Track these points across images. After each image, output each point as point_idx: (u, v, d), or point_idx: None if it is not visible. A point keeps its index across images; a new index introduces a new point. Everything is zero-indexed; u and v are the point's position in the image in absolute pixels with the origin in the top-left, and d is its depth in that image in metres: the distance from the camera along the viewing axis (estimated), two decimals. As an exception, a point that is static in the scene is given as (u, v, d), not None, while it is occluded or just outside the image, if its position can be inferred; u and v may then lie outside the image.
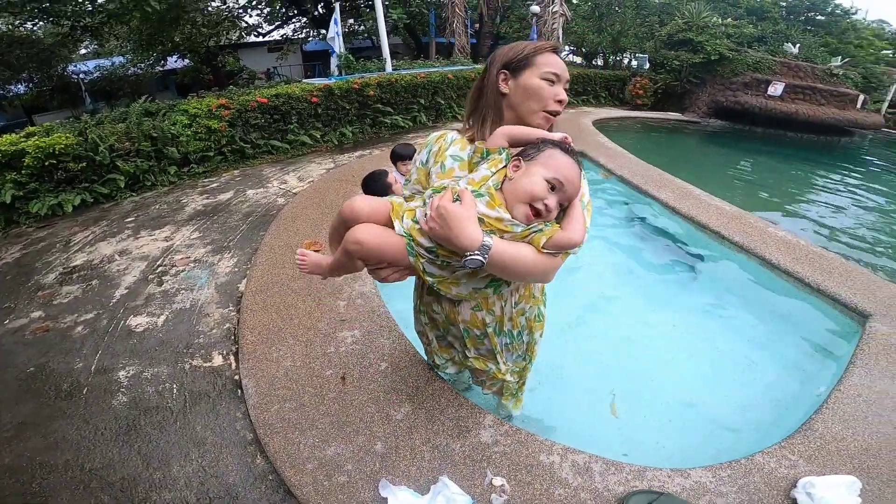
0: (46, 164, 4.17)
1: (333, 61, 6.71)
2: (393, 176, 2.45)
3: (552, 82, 1.06)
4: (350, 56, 6.83)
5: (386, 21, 7.03)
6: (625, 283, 3.10)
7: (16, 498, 1.65)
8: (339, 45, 6.58)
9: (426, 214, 0.95)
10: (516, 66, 1.06)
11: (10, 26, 9.00)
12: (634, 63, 12.29)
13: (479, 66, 7.78)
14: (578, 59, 14.27)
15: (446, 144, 1.13)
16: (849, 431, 1.68)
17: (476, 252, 0.91)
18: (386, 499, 1.37)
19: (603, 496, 1.41)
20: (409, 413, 1.69)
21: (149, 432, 1.86)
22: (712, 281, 3.12)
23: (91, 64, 12.66)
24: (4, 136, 4.24)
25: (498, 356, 1.34)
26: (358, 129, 6.04)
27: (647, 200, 4.17)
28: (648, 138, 8.37)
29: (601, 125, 7.55)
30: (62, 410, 2.04)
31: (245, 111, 5.01)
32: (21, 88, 11.13)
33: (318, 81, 5.81)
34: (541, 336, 1.42)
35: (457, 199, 0.94)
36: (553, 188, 0.95)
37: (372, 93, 5.94)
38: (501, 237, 0.95)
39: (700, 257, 3.39)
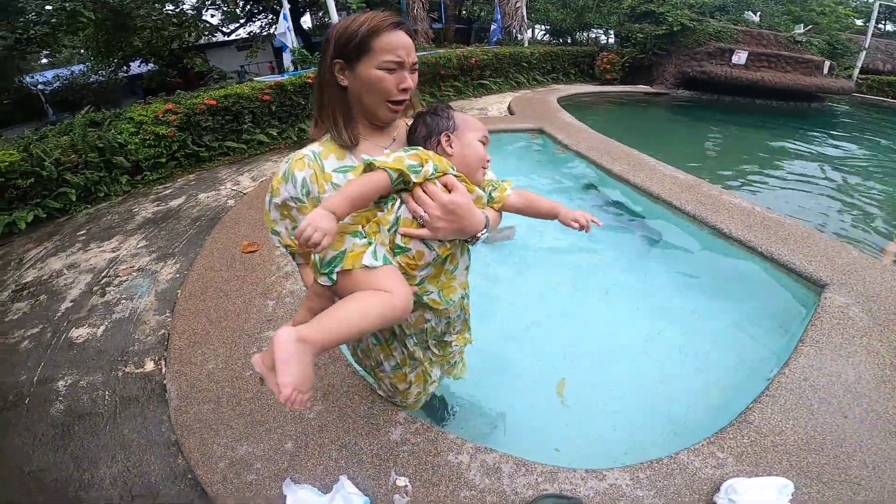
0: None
1: (287, 57, 6.59)
2: None
3: (393, 70, 0.92)
4: (304, 51, 6.71)
5: (346, 9, 6.89)
6: (578, 263, 3.08)
7: None
8: (290, 41, 6.46)
9: (421, 218, 0.88)
10: (350, 55, 0.91)
11: None
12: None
13: (441, 52, 7.68)
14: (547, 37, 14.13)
15: (318, 163, 0.96)
16: (789, 423, 1.53)
17: (485, 230, 0.96)
18: (284, 494, 1.39)
19: (510, 499, 1.35)
20: (321, 411, 1.70)
21: (81, 437, 1.89)
22: (668, 255, 3.07)
23: (49, 74, 12.35)
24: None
25: (469, 322, 1.35)
26: (317, 123, 5.94)
27: (603, 174, 4.18)
28: (617, 113, 8.35)
29: (567, 102, 7.50)
30: (7, 420, 2.07)
31: (194, 114, 4.92)
32: None
33: (270, 79, 5.71)
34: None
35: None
36: (483, 144, 1.01)
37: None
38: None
39: (657, 231, 3.37)
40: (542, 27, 13.77)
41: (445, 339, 1.30)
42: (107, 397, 2.08)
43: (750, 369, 2.05)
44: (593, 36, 13.20)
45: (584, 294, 2.73)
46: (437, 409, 1.86)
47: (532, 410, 1.96)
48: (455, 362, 1.45)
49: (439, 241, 0.93)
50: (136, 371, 2.20)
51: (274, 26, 14.74)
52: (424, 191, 0.89)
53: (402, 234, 0.89)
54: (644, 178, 3.70)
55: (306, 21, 16.45)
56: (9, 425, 2.04)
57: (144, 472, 1.68)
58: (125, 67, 12.33)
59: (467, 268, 1.17)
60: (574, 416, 1.92)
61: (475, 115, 6.57)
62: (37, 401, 2.14)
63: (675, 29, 9.23)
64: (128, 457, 1.75)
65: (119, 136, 4.67)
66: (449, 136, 0.97)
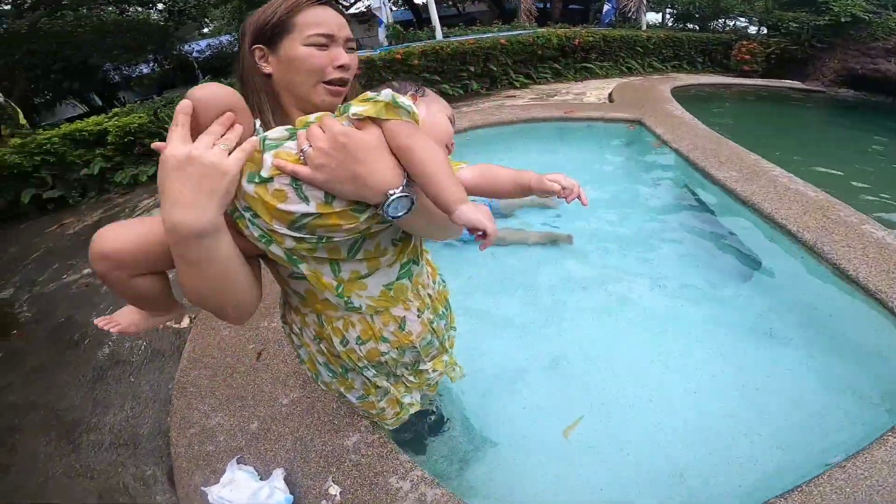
0: (125, 140, 4.83)
1: (381, 32, 6.68)
2: None
3: (324, 46, 0.78)
4: (398, 26, 6.75)
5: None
6: (642, 283, 2.57)
7: (3, 427, 2.03)
8: (385, 15, 6.52)
9: (302, 152, 0.66)
10: (271, 37, 0.78)
11: (117, 14, 10.46)
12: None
13: (542, 31, 7.15)
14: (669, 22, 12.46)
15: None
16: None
17: (400, 189, 0.67)
18: (226, 472, 1.41)
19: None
20: (294, 400, 1.67)
21: (109, 382, 2.12)
22: (762, 290, 2.41)
23: (203, 43, 14.23)
24: (91, 117, 4.99)
25: (446, 343, 1.16)
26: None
27: (702, 179, 3.50)
28: (749, 109, 7.01)
29: (684, 93, 6.50)
30: (65, 358, 2.41)
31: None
32: (146, 69, 13.07)
33: (361, 53, 5.84)
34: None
35: None
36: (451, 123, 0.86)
37: (416, 62, 5.81)
38: None
39: (755, 258, 2.71)
40: (669, 10, 12.14)
41: (420, 367, 1.13)
42: (142, 348, 2.30)
43: (820, 446, 1.57)
44: (731, 23, 11.33)
45: (639, 320, 2.30)
46: (427, 420, 1.69)
47: (522, 446, 1.70)
48: (436, 382, 1.27)
49: (322, 191, 0.68)
50: (174, 325, 2.39)
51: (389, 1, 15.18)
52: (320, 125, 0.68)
53: (275, 166, 0.67)
54: (755, 189, 2.98)
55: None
56: (64, 363, 2.36)
57: (138, 424, 1.85)
58: None
59: (417, 281, 0.98)
60: (567, 465, 1.63)
61: (569, 99, 6.03)
62: (93, 342, 2.46)
63: (842, 20, 7.46)
64: (133, 407, 1.93)
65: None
66: (416, 99, 0.82)
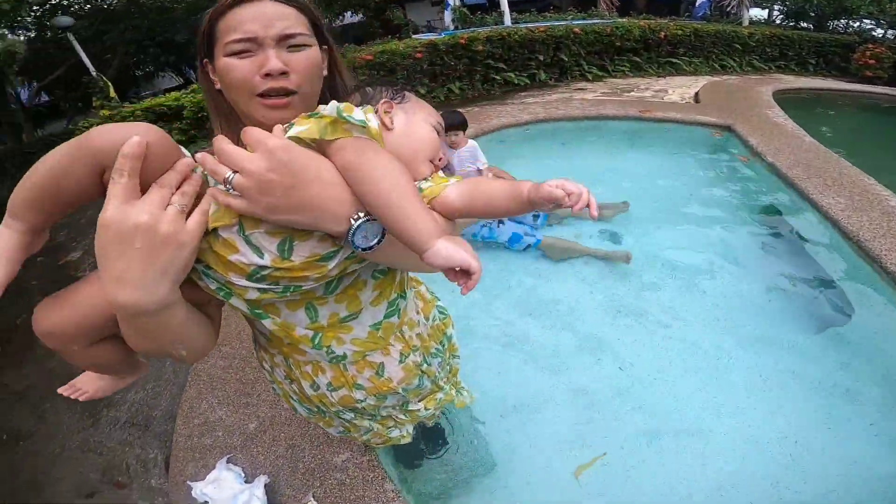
0: (199, 115, 5.09)
1: (448, 15, 6.46)
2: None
3: (246, 53, 0.63)
4: (464, 10, 6.48)
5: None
6: (708, 315, 2.22)
7: (41, 393, 2.21)
8: None
9: (226, 182, 0.53)
10: (208, 48, 0.67)
11: None
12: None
13: (622, 21, 6.53)
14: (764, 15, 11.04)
15: None
16: None
17: (363, 214, 0.56)
18: (214, 469, 1.42)
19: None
20: None
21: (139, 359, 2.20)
22: (852, 345, 1.99)
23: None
24: (171, 93, 5.30)
25: (440, 381, 1.06)
26: (467, 86, 5.77)
27: (800, 202, 2.98)
28: (871, 122, 5.97)
29: (788, 97, 5.68)
30: None
31: (354, 68, 5.22)
32: None
33: (425, 37, 5.68)
34: (453, 328, 1.11)
35: None
36: (437, 133, 0.73)
37: (480, 48, 5.55)
38: None
39: (848, 303, 2.22)
40: (777, 6, 10.72)
41: (408, 407, 1.01)
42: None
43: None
44: (855, 24, 9.81)
45: (690, 359, 1.97)
46: (430, 438, 1.56)
47: (526, 481, 1.54)
48: (433, 415, 1.14)
49: (276, 243, 0.57)
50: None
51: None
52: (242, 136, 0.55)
53: (217, 201, 0.55)
54: (866, 222, 2.47)
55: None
56: None
57: (153, 405, 1.92)
58: (340, 17, 14.06)
59: (403, 319, 0.85)
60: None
61: (648, 97, 5.47)
62: None
63: None
64: (153, 388, 2.02)
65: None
66: (391, 106, 0.69)
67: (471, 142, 2.48)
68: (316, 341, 0.74)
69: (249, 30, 0.63)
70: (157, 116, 5.04)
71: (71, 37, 7.35)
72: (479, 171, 2.56)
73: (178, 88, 11.08)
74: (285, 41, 0.65)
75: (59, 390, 0.83)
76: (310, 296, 0.69)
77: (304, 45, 0.67)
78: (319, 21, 0.70)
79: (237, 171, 0.52)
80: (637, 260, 2.55)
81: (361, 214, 0.55)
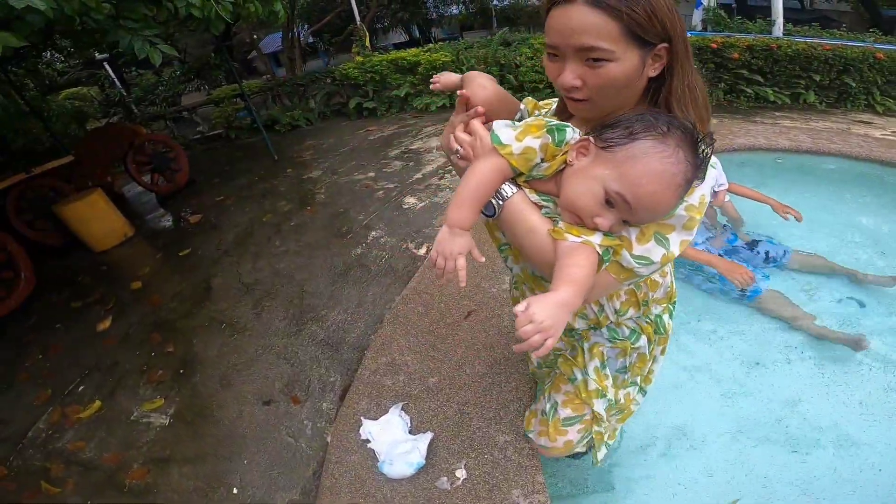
0: (430, 73, 5.58)
1: (697, 15, 5.56)
2: None
3: (553, 56, 0.71)
4: (720, 11, 5.48)
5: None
6: None
7: (266, 290, 2.68)
8: None
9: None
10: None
11: None
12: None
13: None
14: None
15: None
16: None
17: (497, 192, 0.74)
18: (388, 412, 1.56)
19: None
20: (478, 374, 1.68)
21: (348, 282, 2.60)
22: None
23: (504, -7, 15.05)
24: (412, 49, 5.89)
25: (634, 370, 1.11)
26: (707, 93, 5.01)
27: None
28: None
29: None
30: (329, 244, 3.05)
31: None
32: (455, 10, 14.79)
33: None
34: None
35: None
36: (611, 203, 0.66)
37: (736, 55, 4.70)
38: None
39: None
40: None
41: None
42: (384, 260, 2.72)
43: None
44: None
45: None
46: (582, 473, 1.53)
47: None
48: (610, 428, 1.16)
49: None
50: (413, 250, 2.74)
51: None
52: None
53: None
54: None
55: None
56: (327, 248, 2.96)
57: (349, 330, 2.17)
58: None
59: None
60: None
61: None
62: (354, 238, 3.04)
63: None
64: (353, 312, 2.28)
65: (518, 58, 5.35)
66: (587, 147, 0.69)
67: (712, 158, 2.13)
68: None
69: (553, 39, 0.68)
70: (396, 69, 5.71)
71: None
72: (715, 194, 2.24)
73: (405, 44, 12.34)
74: (584, 53, 0.66)
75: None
76: None
77: (604, 60, 0.65)
78: (644, 25, 0.64)
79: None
80: (878, 353, 1.93)
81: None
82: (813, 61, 4.76)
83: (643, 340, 1.00)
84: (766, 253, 2.28)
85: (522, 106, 0.95)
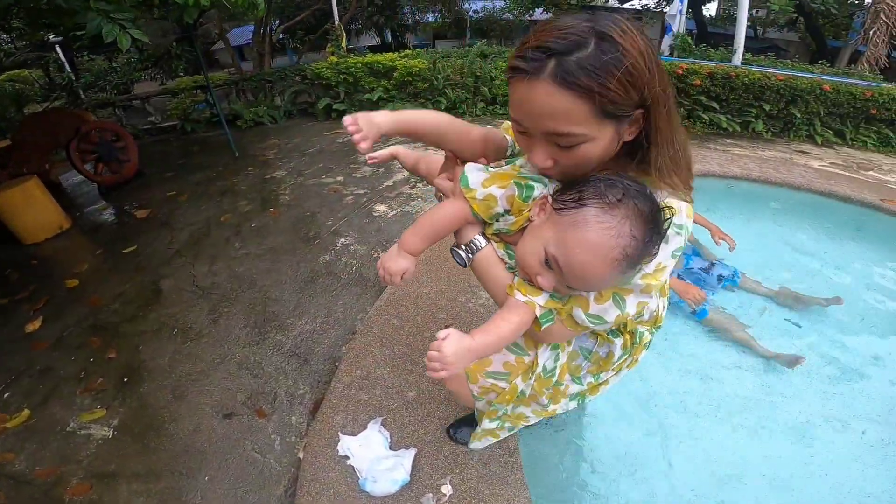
0: (405, 79, 5.53)
1: (666, 41, 5.95)
2: None
3: (520, 132, 0.68)
4: (688, 38, 5.88)
5: (768, 11, 5.57)
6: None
7: (224, 295, 2.49)
8: (678, 24, 5.75)
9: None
10: None
11: None
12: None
13: (887, 87, 5.28)
14: None
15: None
16: None
17: (463, 246, 0.82)
18: (366, 427, 1.50)
19: None
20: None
21: (316, 290, 2.46)
22: None
23: (479, 4, 15.33)
24: (388, 53, 5.82)
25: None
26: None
27: None
28: None
29: None
30: (295, 248, 2.90)
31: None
32: (430, 18, 14.94)
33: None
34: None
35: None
36: (549, 265, 0.69)
37: (698, 82, 5.01)
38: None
39: None
40: None
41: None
42: (354, 268, 2.61)
43: None
44: None
45: None
46: None
47: None
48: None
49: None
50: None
51: (668, 4, 13.52)
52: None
53: None
54: None
55: (710, 8, 14.31)
56: (292, 254, 2.80)
57: (318, 340, 2.06)
58: (531, 12, 14.00)
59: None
60: None
61: (892, 182, 4.41)
62: (321, 244, 2.90)
63: None
64: (322, 323, 2.17)
65: (493, 71, 5.41)
66: (544, 209, 0.71)
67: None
68: None
69: (520, 117, 0.64)
70: (371, 72, 5.61)
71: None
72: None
73: (378, 48, 12.25)
74: (553, 138, 0.63)
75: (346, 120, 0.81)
76: None
77: (578, 144, 0.62)
78: (619, 101, 0.59)
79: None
80: (813, 369, 2.06)
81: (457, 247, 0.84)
82: (765, 90, 5.13)
83: (619, 341, 0.92)
84: (720, 275, 2.43)
85: (509, 138, 0.90)
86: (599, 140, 0.63)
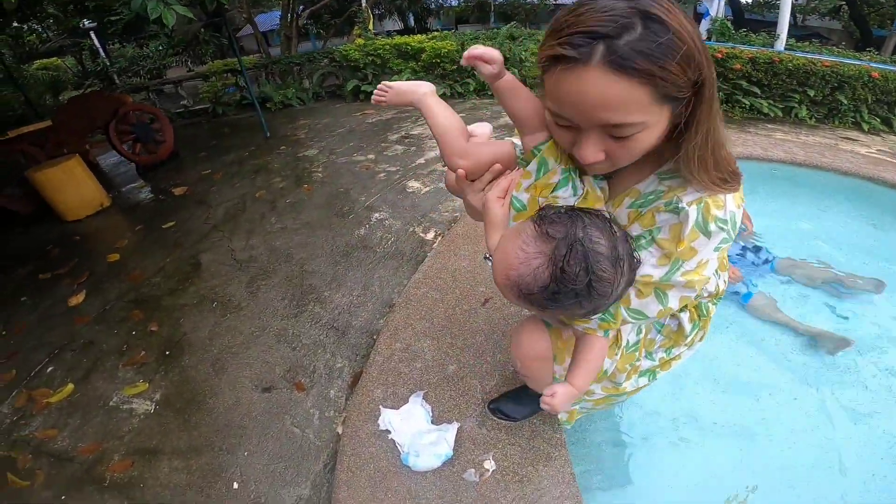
0: (433, 61, 5.47)
1: (704, 24, 5.70)
2: None
3: (566, 126, 0.63)
4: (727, 22, 5.63)
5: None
6: None
7: (262, 268, 2.55)
8: (715, 8, 5.50)
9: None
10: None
11: None
12: None
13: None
14: None
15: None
16: None
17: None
18: (407, 401, 1.48)
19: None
20: (500, 363, 1.60)
21: (351, 263, 2.47)
22: None
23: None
24: (416, 35, 5.76)
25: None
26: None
27: None
28: None
29: None
30: (330, 223, 2.91)
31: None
32: (454, 2, 14.71)
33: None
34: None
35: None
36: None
37: (738, 66, 4.80)
38: None
39: None
40: None
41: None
42: (390, 242, 2.60)
43: None
44: None
45: None
46: None
47: None
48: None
49: None
50: (420, 234, 2.63)
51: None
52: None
53: None
54: None
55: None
56: (328, 229, 2.82)
57: (355, 314, 2.06)
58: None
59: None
60: None
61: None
62: (356, 219, 2.90)
63: None
64: (360, 296, 2.17)
65: (523, 53, 5.29)
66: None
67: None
68: None
69: (568, 111, 0.58)
70: (399, 53, 5.57)
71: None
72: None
73: (400, 33, 12.16)
74: (608, 129, 0.58)
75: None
76: None
77: (633, 133, 0.57)
78: (680, 83, 0.54)
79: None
80: (859, 354, 1.95)
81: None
82: (811, 76, 4.90)
83: (685, 315, 0.94)
84: (764, 259, 2.39)
85: (517, 142, 0.91)
86: (656, 127, 0.59)
